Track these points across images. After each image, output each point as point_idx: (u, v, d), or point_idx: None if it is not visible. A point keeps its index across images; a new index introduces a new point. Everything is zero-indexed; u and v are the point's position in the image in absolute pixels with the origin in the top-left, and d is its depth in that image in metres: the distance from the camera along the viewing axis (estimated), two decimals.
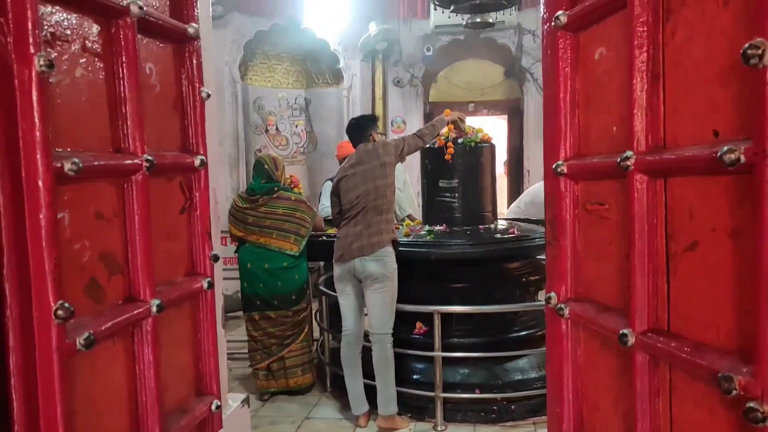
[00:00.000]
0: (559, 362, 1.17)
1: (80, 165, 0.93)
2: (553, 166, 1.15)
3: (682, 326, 0.88)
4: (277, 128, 6.39)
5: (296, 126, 6.51)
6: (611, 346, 1.02)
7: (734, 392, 0.73)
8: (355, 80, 6.32)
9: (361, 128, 3.06)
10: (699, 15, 0.83)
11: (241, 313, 4.69)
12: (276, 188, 3.36)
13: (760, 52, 0.68)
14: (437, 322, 2.86)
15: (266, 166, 3.41)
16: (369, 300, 2.84)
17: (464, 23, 4.75)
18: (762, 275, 0.70)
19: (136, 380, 1.14)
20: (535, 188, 4.32)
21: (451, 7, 4.31)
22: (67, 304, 0.89)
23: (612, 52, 1.03)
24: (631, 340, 0.94)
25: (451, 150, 3.33)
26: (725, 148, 0.73)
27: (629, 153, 0.93)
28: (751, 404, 0.71)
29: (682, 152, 0.85)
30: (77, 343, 0.94)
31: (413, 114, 6.37)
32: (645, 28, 0.91)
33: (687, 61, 0.86)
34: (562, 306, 1.13)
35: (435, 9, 5.00)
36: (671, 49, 0.89)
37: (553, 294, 1.18)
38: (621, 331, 0.95)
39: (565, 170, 1.13)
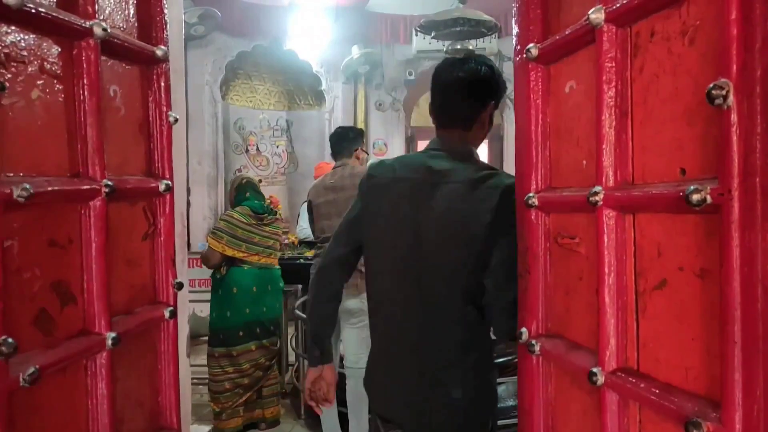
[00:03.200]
0: (530, 400, 1.14)
1: (31, 191, 0.89)
2: (525, 198, 1.14)
3: (651, 366, 0.87)
4: (257, 148, 6.37)
5: (277, 146, 6.50)
6: (582, 384, 0.99)
7: None
8: (337, 102, 6.35)
9: (348, 140, 2.91)
10: (666, 52, 0.83)
11: None
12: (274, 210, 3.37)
13: (724, 92, 0.68)
14: None
15: (257, 188, 3.39)
16: (345, 334, 2.76)
17: (445, 49, 4.81)
18: (728, 318, 0.68)
19: (89, 416, 1.08)
20: None
21: (432, 33, 4.37)
22: (10, 340, 0.84)
23: (582, 86, 1.02)
24: (601, 379, 0.91)
25: None
26: (691, 187, 0.72)
27: (598, 188, 0.92)
28: None
29: (649, 189, 0.84)
30: (21, 379, 0.88)
31: (395, 137, 6.41)
32: (613, 64, 0.91)
33: (654, 98, 0.85)
34: (533, 342, 1.11)
35: (416, 35, 5.05)
36: (639, 85, 0.88)
37: (524, 330, 1.15)
38: (590, 370, 0.93)
39: (536, 203, 1.12)
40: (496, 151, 6.61)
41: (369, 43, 6.10)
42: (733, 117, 0.67)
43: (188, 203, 5.51)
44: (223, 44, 5.74)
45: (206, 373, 3.23)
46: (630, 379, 0.87)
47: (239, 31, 5.77)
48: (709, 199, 0.71)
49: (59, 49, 1.02)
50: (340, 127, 3.16)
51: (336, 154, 2.95)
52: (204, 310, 5.13)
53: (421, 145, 6.51)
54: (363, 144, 3.04)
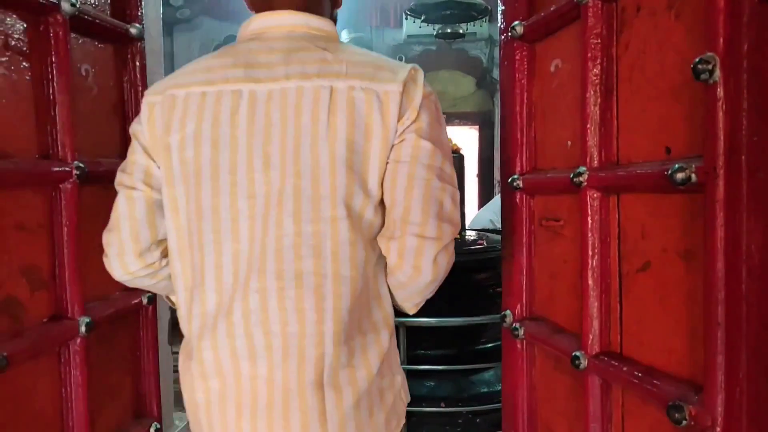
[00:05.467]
0: (513, 383, 1.13)
1: None
2: (509, 180, 1.12)
3: (634, 350, 0.85)
4: None
5: None
6: (565, 368, 0.98)
7: (684, 422, 0.70)
8: None
9: None
10: (652, 28, 0.81)
11: None
12: None
13: (710, 67, 0.65)
14: (402, 335, 2.81)
15: None
16: None
17: (435, 33, 4.75)
18: (711, 300, 0.67)
19: (63, 404, 1.05)
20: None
21: (422, 17, 4.31)
22: None
23: (567, 65, 1.00)
24: (584, 362, 0.90)
25: None
26: (676, 166, 0.70)
27: (582, 169, 0.89)
28: None
29: (634, 169, 0.82)
30: None
31: None
32: (599, 40, 0.88)
33: (640, 75, 0.83)
34: (517, 326, 1.09)
35: (407, 19, 4.99)
36: (625, 62, 0.86)
37: (508, 312, 1.14)
38: (573, 353, 0.91)
39: (521, 185, 1.10)
40: (488, 138, 6.58)
41: (359, 27, 6.03)
42: (719, 92, 0.65)
43: None
44: (210, 28, 5.65)
45: None
46: (613, 362, 0.86)
47: (226, 14, 5.67)
48: (693, 177, 0.69)
49: (25, 25, 0.98)
50: None
51: None
52: None
53: None
54: None
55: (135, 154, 0.89)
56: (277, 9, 0.87)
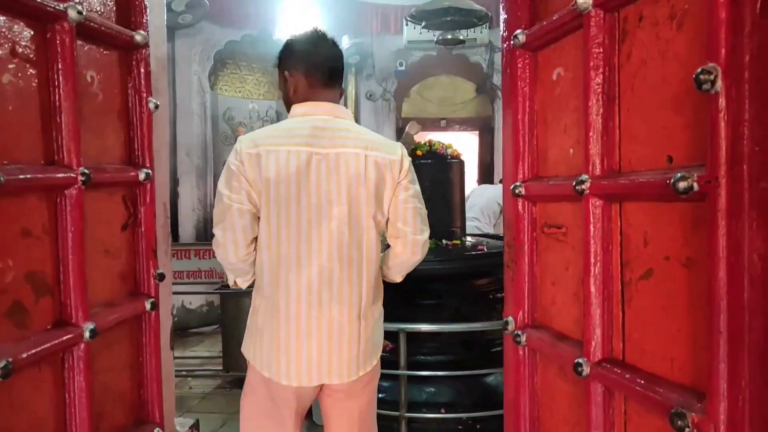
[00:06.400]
0: (516, 390, 1.13)
1: (2, 179, 0.86)
2: (511, 188, 1.12)
3: (636, 357, 0.86)
4: None
5: None
6: (567, 375, 0.98)
7: (687, 430, 0.70)
8: None
9: None
10: (654, 38, 0.81)
11: (205, 329, 4.50)
12: None
13: (712, 77, 0.66)
14: (402, 341, 2.81)
15: None
16: None
17: (435, 39, 4.77)
18: (714, 308, 0.67)
19: (66, 410, 1.05)
20: (485, 197, 4.32)
21: (423, 23, 4.33)
22: None
23: (569, 73, 1.00)
24: (586, 370, 0.90)
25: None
26: (678, 175, 0.71)
27: (585, 177, 0.90)
28: None
29: (636, 177, 0.83)
30: None
31: (385, 128, 6.37)
32: (601, 50, 0.89)
33: (642, 84, 0.84)
34: (519, 333, 1.10)
35: (407, 25, 5.01)
36: (627, 71, 0.87)
37: (510, 319, 1.14)
38: (576, 360, 0.92)
39: (523, 192, 1.11)
40: (488, 143, 6.60)
41: (359, 34, 6.05)
42: (721, 102, 0.66)
43: (177, 194, 5.47)
44: (212, 33, 5.66)
45: (196, 365, 3.21)
46: (615, 369, 0.86)
47: (228, 20, 5.69)
48: (695, 186, 0.69)
49: (32, 32, 0.99)
50: None
51: None
52: (193, 302, 5.11)
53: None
54: None
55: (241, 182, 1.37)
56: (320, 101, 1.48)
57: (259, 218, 1.38)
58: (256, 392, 1.42)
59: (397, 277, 1.57)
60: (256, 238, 1.40)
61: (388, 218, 1.45)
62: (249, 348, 1.46)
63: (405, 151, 1.49)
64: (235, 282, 1.51)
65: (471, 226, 4.15)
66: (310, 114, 1.44)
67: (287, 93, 1.54)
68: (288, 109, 1.53)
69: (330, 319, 1.39)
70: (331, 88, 1.51)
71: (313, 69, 1.50)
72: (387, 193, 1.42)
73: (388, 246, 1.53)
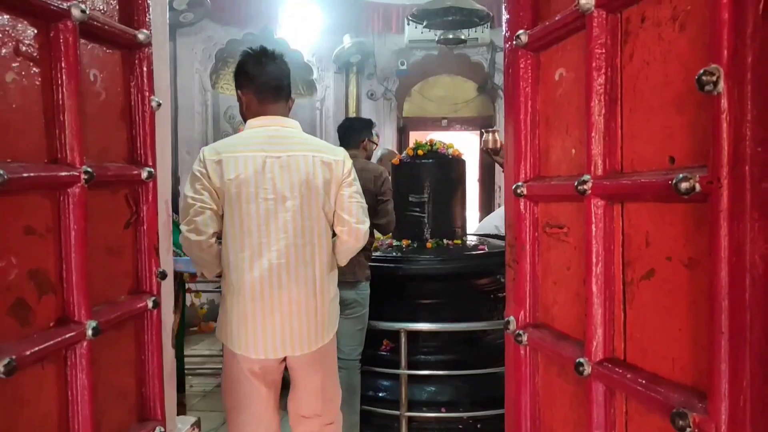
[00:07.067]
0: (517, 389, 1.13)
1: (5, 177, 0.87)
2: (513, 187, 1.12)
3: (638, 357, 0.86)
4: None
5: None
6: (569, 375, 0.99)
7: (688, 430, 0.70)
8: (329, 92, 6.29)
9: (353, 130, 2.84)
10: (656, 38, 0.82)
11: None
12: None
13: (714, 78, 0.66)
14: (403, 340, 2.81)
15: None
16: (340, 325, 2.75)
17: (437, 39, 4.77)
18: (715, 308, 0.67)
19: (69, 407, 1.06)
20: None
21: (424, 23, 4.33)
22: None
23: (571, 73, 1.01)
24: (588, 369, 0.91)
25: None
26: (680, 176, 0.71)
27: (587, 177, 0.90)
28: None
29: (638, 178, 0.83)
30: None
31: (387, 128, 6.37)
32: (603, 50, 0.89)
33: (644, 85, 0.84)
34: (520, 332, 1.10)
35: (409, 24, 5.01)
36: (629, 72, 0.87)
37: (512, 318, 1.14)
38: (577, 360, 0.92)
39: (525, 192, 1.11)
40: None
41: (361, 33, 6.05)
42: (723, 103, 0.66)
43: (178, 193, 5.47)
44: (213, 32, 5.66)
45: (197, 363, 3.22)
46: (617, 369, 0.87)
47: (229, 19, 5.68)
48: (697, 187, 0.70)
49: (35, 31, 0.99)
50: (347, 119, 3.13)
51: (343, 145, 2.92)
52: (197, 300, 5.11)
53: (413, 135, 6.48)
54: (372, 134, 2.94)
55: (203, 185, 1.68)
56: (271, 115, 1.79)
57: (219, 215, 1.64)
58: (233, 370, 1.70)
59: (343, 261, 1.85)
60: (216, 234, 1.65)
61: (334, 210, 1.74)
62: (221, 330, 1.71)
63: (347, 154, 1.79)
64: (202, 273, 1.77)
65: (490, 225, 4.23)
66: (264, 126, 1.74)
67: (242, 109, 1.83)
68: (245, 122, 1.81)
69: (289, 297, 1.63)
70: (280, 102, 1.78)
71: (262, 88, 1.77)
72: (333, 188, 1.72)
73: (335, 235, 1.80)
